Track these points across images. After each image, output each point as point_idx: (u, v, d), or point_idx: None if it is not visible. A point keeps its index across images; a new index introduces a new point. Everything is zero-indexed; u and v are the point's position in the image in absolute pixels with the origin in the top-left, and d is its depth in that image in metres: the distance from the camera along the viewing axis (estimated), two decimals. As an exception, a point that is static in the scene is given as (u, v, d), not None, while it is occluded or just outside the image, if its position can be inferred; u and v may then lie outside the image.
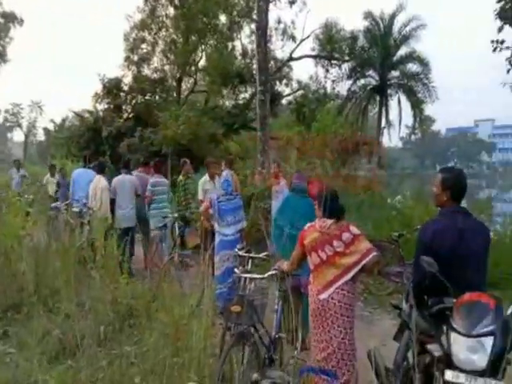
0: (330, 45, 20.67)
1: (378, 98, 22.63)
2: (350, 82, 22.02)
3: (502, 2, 9.57)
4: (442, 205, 2.65)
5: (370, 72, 22.39)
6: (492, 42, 10.26)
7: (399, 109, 22.76)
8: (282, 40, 20.90)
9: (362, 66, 21.71)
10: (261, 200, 8.03)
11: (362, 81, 22.74)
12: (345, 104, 22.03)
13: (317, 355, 2.80)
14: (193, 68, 21.06)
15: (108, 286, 3.65)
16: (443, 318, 2.28)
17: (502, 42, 10.09)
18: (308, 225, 3.00)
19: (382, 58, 21.64)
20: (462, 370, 1.95)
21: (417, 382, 2.44)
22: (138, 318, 3.32)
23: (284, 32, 20.82)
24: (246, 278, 3.13)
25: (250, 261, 3.61)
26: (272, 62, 21.13)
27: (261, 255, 3.61)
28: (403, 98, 22.26)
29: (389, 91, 22.54)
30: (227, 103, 21.76)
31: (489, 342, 1.90)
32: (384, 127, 22.96)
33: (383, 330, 4.40)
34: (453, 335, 2.03)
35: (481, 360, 1.89)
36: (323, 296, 2.75)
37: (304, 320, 3.41)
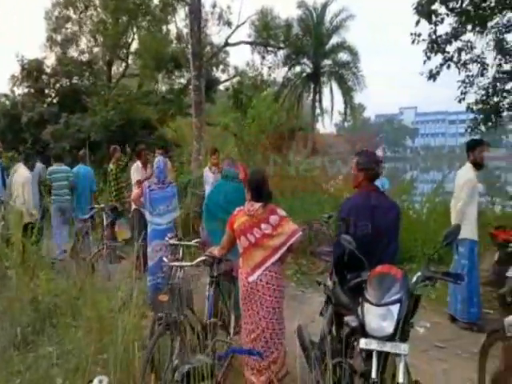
0: (266, 31, 20.80)
1: (312, 86, 23.35)
2: (286, 69, 22.44)
3: (419, -3, 10.28)
4: (358, 185, 2.87)
5: (305, 60, 23.00)
6: (411, 34, 11.03)
7: (331, 96, 23.73)
8: (218, 25, 20.63)
9: (297, 54, 22.19)
10: (197, 187, 7.96)
11: (297, 68, 23.31)
12: (281, 91, 22.42)
13: (247, 337, 2.89)
14: (124, 51, 19.95)
15: (27, 284, 3.40)
16: (360, 291, 2.47)
17: (419, 34, 10.88)
18: (237, 209, 3.05)
19: (315, 46, 22.29)
20: (374, 337, 2.13)
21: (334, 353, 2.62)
22: (61, 316, 3.14)
23: (220, 17, 20.53)
24: (175, 267, 3.10)
25: (181, 249, 3.57)
26: (208, 48, 20.74)
27: (192, 242, 3.59)
28: (335, 86, 23.25)
29: (322, 79, 23.36)
30: (163, 88, 21.04)
31: (395, 309, 2.10)
32: (319, 114, 23.82)
33: (313, 308, 4.65)
34: (366, 306, 2.21)
35: (389, 326, 2.08)
36: (252, 278, 2.83)
37: (236, 304, 3.48)
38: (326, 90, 23.89)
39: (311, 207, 7.88)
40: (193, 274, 3.03)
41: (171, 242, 3.61)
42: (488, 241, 4.78)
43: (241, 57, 37.25)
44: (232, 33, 20.14)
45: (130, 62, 20.60)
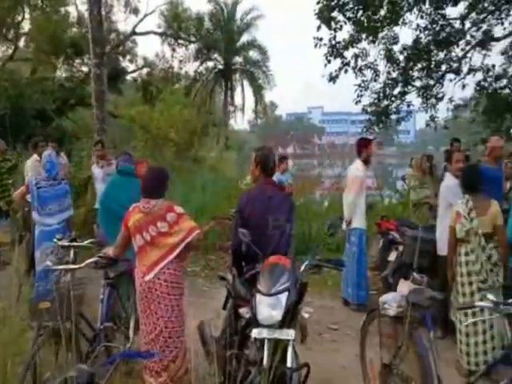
0: (177, 23, 20.25)
1: (224, 82, 23.48)
2: (198, 63, 22.16)
3: (320, 4, 10.98)
4: (256, 179, 2.96)
5: (216, 55, 22.99)
6: (314, 38, 11.72)
7: (243, 93, 24.17)
8: (125, 12, 19.46)
9: (209, 49, 22.08)
10: (98, 184, 7.40)
11: (209, 63, 23.19)
12: (193, 85, 22.10)
13: (144, 338, 2.78)
14: (12, 31, 17.66)
15: None
16: (255, 282, 2.54)
17: (321, 39, 11.62)
18: (133, 206, 2.91)
19: (226, 42, 22.44)
20: (265, 326, 2.22)
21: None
22: None
23: (127, 4, 19.38)
24: (61, 270, 2.85)
25: (72, 251, 3.29)
26: (114, 35, 19.44)
27: (85, 243, 3.33)
28: (246, 84, 23.73)
29: (234, 76, 23.63)
30: (64, 75, 19.16)
31: (284, 297, 2.21)
32: (234, 111, 24.06)
33: (220, 303, 4.70)
34: (258, 296, 2.29)
35: (278, 314, 2.19)
36: (148, 277, 2.73)
37: (136, 305, 3.33)
38: (238, 87, 24.27)
39: (222, 203, 7.92)
40: (82, 277, 2.81)
41: (60, 243, 3.30)
42: (375, 230, 5.32)
43: (150, 48, 35.66)
44: (140, 21, 19.22)
45: (20, 44, 18.33)
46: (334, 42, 11.66)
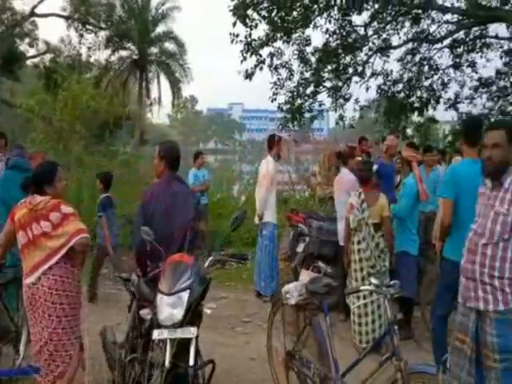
0: (85, 7, 18.68)
1: (138, 73, 22.35)
2: (109, 51, 20.75)
3: (235, 1, 11.04)
4: (160, 174, 2.84)
5: (130, 45, 21.75)
6: (230, 34, 11.75)
7: (159, 86, 23.28)
8: (23, -10, 17.42)
9: (121, 37, 20.79)
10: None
11: (122, 52, 21.85)
12: (103, 74, 20.64)
13: (32, 349, 2.51)
14: None
15: None
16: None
17: (237, 35, 11.71)
18: (22, 200, 2.61)
19: (140, 32, 21.34)
20: (166, 326, 2.15)
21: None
22: None
23: (23, -20, 17.34)
24: None
25: None
26: (8, 14, 17.28)
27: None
28: (163, 76, 22.90)
29: (149, 67, 22.63)
30: None
31: (186, 295, 2.16)
32: (151, 103, 23.04)
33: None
34: (159, 296, 2.21)
35: (179, 313, 2.14)
36: (29, 280, 2.46)
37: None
38: (155, 79, 23.31)
39: (133, 200, 7.54)
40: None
41: None
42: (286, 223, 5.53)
43: (54, 32, 32.27)
44: (40, 1, 17.36)
45: None
46: (249, 40, 11.83)
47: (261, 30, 12.44)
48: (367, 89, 13.50)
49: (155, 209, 2.70)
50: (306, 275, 2.79)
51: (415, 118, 14.92)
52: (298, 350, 2.66)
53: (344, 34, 13.01)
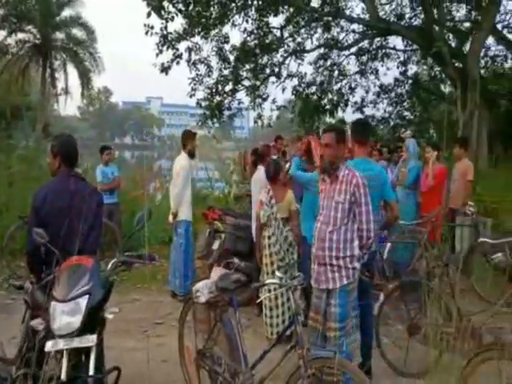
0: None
1: (41, 60, 20.22)
2: (4, 33, 18.42)
3: (149, -9, 10.59)
4: (55, 172, 2.60)
5: (30, 28, 19.53)
6: (144, 25, 11.24)
7: (66, 75, 21.34)
8: None
9: (19, 18, 18.56)
10: None
11: (21, 35, 19.53)
12: (-1, 58, 18.31)
13: None
14: None
15: None
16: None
17: (152, 27, 11.25)
18: None
19: (42, 14, 19.29)
20: (62, 336, 1.98)
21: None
22: None
23: None
24: None
25: None
26: None
27: None
28: (71, 65, 21.02)
29: (55, 54, 20.59)
30: None
31: (84, 301, 2.01)
32: (58, 94, 20.99)
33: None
34: (53, 304, 2.02)
35: (76, 321, 1.98)
36: None
37: None
38: (60, 68, 21.29)
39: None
40: None
41: None
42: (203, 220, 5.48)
43: None
44: None
45: None
46: (165, 32, 11.46)
47: (178, 24, 12.16)
48: (283, 89, 14.03)
49: (51, 209, 2.46)
50: (216, 272, 2.79)
51: (327, 119, 15.93)
52: (209, 348, 2.66)
53: (261, 34, 13.32)
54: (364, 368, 2.82)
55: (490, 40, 12.97)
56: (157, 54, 11.36)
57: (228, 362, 2.51)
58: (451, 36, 12.95)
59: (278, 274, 2.38)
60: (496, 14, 11.67)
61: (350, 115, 15.30)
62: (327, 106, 14.29)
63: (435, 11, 11.68)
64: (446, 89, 13.73)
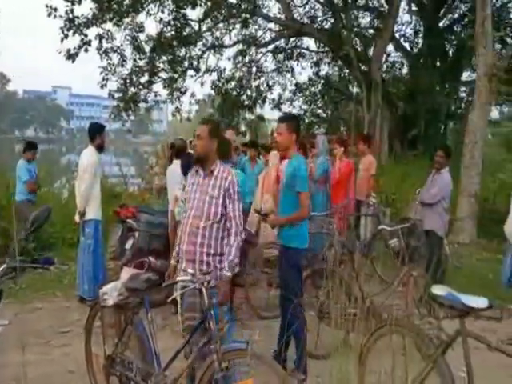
0: None
1: None
2: None
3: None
4: None
5: None
6: (47, 6, 10.19)
7: None
8: None
9: None
10: None
11: None
12: None
13: None
14: None
15: None
16: None
17: (56, 9, 10.26)
18: None
19: None
20: None
21: None
22: None
23: None
24: None
25: None
26: None
27: None
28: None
29: None
30: None
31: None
32: None
33: None
34: None
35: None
36: None
37: None
38: None
39: None
40: None
41: None
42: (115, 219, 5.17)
43: None
44: None
45: None
46: (71, 16, 10.54)
47: (86, 8, 11.26)
48: (202, 84, 13.89)
49: None
50: (126, 273, 2.65)
51: (247, 115, 16.17)
52: (119, 353, 2.52)
53: (179, 26, 12.96)
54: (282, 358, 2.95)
55: (391, 47, 14.38)
56: (61, 39, 10.39)
57: (140, 366, 2.41)
58: (358, 41, 14.02)
59: (189, 270, 2.34)
60: (394, 24, 12.94)
61: (268, 112, 15.74)
62: (246, 102, 14.50)
63: (343, 16, 12.55)
64: (354, 89, 14.85)
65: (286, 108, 15.64)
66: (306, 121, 14.89)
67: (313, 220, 4.79)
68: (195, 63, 13.54)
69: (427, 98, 11.42)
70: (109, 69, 12.57)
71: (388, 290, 3.62)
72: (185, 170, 3.78)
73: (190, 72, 13.65)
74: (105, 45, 12.52)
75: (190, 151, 5.12)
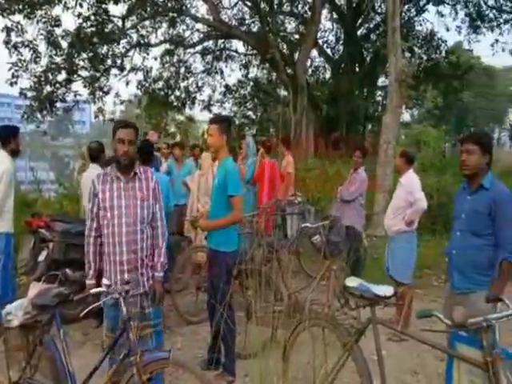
0: None
1: None
2: None
3: None
4: None
5: None
6: None
7: None
8: None
9: None
10: None
11: None
12: None
13: None
14: None
15: None
16: None
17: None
18: None
19: None
20: None
21: None
22: None
23: None
24: None
25: None
26: None
27: None
28: None
29: None
30: None
31: None
32: None
33: None
34: None
35: None
36: None
37: None
38: None
39: None
40: None
41: None
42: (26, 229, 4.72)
43: None
44: None
45: None
46: (-30, 4, 9.45)
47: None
48: (127, 83, 13.31)
49: None
50: (35, 288, 2.42)
51: (177, 116, 15.84)
52: (27, 378, 2.30)
53: (100, 21, 12.27)
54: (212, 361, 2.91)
55: (315, 52, 15.09)
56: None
57: (52, 387, 2.23)
58: (285, 45, 14.48)
59: (104, 281, 2.21)
60: (317, 31, 13.59)
61: (198, 113, 15.59)
62: (175, 103, 14.20)
63: (270, 21, 12.87)
64: (282, 92, 15.32)
65: (216, 109, 15.63)
66: (237, 122, 15.01)
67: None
68: (119, 61, 12.95)
69: (348, 101, 12.19)
70: (20, 65, 11.52)
71: (311, 285, 3.78)
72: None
73: (114, 71, 13.03)
74: (14, 38, 11.46)
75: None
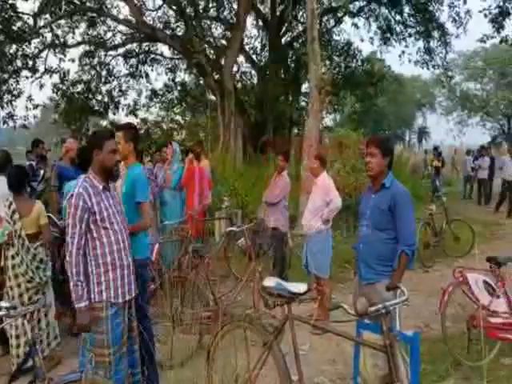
0: None
1: None
2: None
3: None
4: None
5: None
6: None
7: None
8: None
9: None
10: None
11: None
12: None
13: None
14: None
15: None
16: None
17: None
18: None
19: None
20: None
21: None
22: None
23: None
24: None
25: None
26: None
27: None
28: None
29: None
30: None
31: None
32: None
33: None
34: None
35: None
36: None
37: None
38: None
39: None
40: None
41: None
42: None
43: None
44: None
45: None
46: None
47: None
48: (41, 86, 12.32)
49: None
50: None
51: (100, 121, 15.00)
52: None
53: (6, 18, 11.20)
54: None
55: (242, 58, 15.29)
56: None
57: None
58: (211, 50, 14.46)
59: (3, 303, 2.02)
60: (243, 37, 13.80)
61: (123, 118, 14.94)
62: (96, 107, 13.45)
63: (195, 25, 12.78)
64: (210, 97, 15.30)
65: (142, 114, 15.10)
66: (165, 127, 14.65)
67: (165, 228, 4.76)
68: (31, 62, 11.94)
69: (274, 106, 12.56)
70: None
71: (237, 288, 3.84)
72: (12, 185, 3.30)
73: (25, 72, 11.97)
74: None
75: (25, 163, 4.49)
